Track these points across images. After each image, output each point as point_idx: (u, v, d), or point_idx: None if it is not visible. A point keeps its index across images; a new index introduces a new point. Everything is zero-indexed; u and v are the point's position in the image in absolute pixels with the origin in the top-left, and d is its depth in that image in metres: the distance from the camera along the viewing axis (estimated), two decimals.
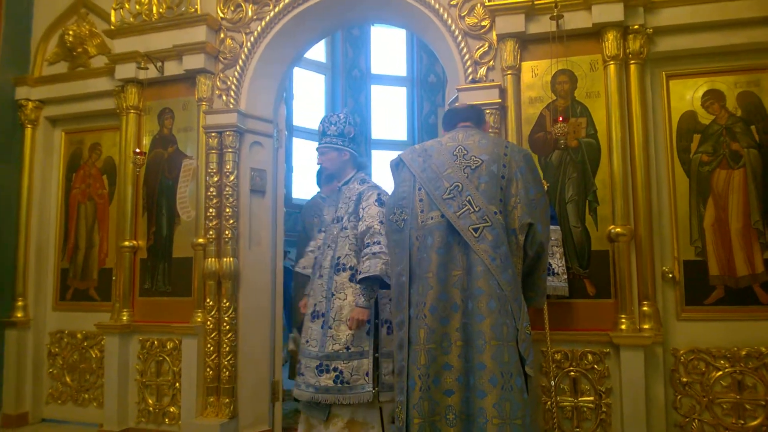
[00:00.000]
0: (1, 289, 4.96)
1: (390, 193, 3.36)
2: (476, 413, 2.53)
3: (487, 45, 4.01)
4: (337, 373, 3.33)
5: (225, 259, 4.36)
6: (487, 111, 3.81)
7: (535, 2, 3.80)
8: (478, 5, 4.03)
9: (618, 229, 3.61)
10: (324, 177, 5.19)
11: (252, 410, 4.41)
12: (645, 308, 3.59)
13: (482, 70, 3.99)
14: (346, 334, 3.35)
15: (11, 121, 5.11)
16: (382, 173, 8.37)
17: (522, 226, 2.73)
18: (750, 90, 3.71)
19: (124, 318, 4.59)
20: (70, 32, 5.06)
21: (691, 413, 3.60)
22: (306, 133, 8.82)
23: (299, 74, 8.76)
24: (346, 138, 3.67)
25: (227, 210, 4.42)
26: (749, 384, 3.53)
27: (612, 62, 3.72)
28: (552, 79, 3.89)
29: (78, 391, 4.94)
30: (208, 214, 4.41)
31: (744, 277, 3.61)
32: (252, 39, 4.52)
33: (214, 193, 4.42)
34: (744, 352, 3.55)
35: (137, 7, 4.75)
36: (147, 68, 4.58)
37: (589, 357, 3.66)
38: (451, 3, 4.09)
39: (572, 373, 3.68)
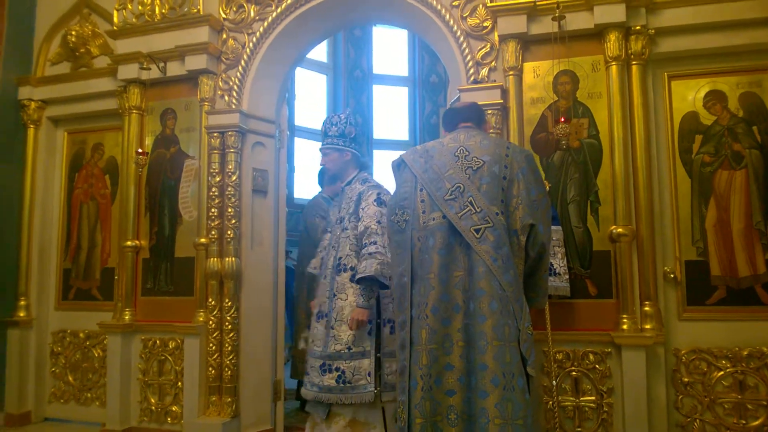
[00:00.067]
0: (4, 289, 4.97)
1: (391, 192, 3.37)
2: (478, 413, 2.53)
3: (488, 46, 4.02)
4: (339, 373, 3.34)
5: (227, 259, 4.37)
6: (489, 111, 3.81)
7: (537, 3, 3.80)
8: (480, 6, 4.04)
9: (620, 230, 3.62)
10: (327, 177, 5.19)
11: (254, 409, 4.42)
12: (646, 308, 3.59)
13: (484, 71, 3.99)
14: (347, 334, 3.36)
15: (14, 121, 5.12)
16: (383, 173, 8.38)
17: (523, 226, 2.73)
18: (752, 91, 3.71)
19: (127, 317, 4.60)
20: (73, 32, 5.07)
21: (693, 413, 3.60)
22: (308, 133, 8.83)
23: (301, 74, 8.77)
24: (348, 138, 3.67)
25: (229, 210, 4.42)
26: (751, 384, 3.54)
27: (614, 63, 3.73)
28: (554, 80, 3.89)
29: (80, 391, 4.96)
30: (210, 214, 4.42)
31: (746, 278, 3.61)
32: (254, 39, 4.53)
33: (216, 193, 4.43)
34: (745, 353, 3.55)
35: (140, 7, 4.75)
36: (149, 69, 4.59)
37: (591, 357, 3.66)
38: (453, 4, 4.10)
39: (574, 373, 3.68)
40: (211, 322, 4.35)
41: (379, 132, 9.50)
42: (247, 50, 4.54)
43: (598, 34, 3.79)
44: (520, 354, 2.59)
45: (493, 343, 2.56)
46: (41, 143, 5.19)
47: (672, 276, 3.69)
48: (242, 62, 4.54)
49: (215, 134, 4.47)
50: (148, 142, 4.77)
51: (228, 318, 4.35)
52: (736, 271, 3.63)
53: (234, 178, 4.45)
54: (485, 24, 4.02)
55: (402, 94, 9.77)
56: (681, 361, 3.64)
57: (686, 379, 3.62)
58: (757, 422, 3.50)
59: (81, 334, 5.00)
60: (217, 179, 4.44)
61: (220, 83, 4.60)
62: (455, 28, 4.06)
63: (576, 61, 3.86)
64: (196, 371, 4.34)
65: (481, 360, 2.56)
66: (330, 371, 3.36)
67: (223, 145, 4.47)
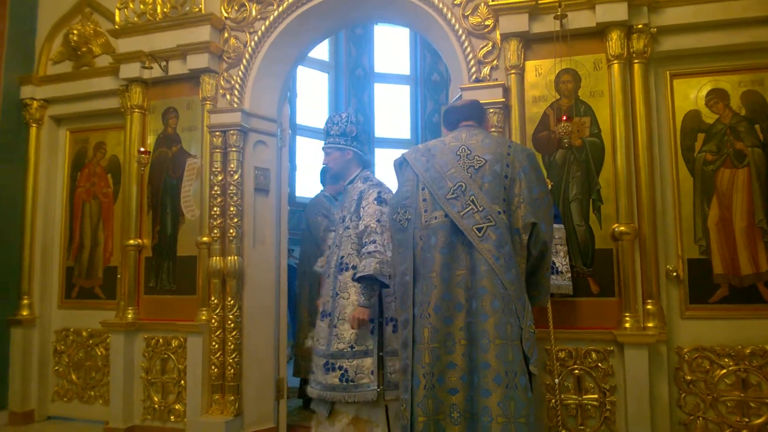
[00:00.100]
0: (7, 288, 4.98)
1: (392, 190, 3.37)
2: (480, 412, 2.54)
3: (490, 44, 4.02)
4: (342, 372, 3.34)
5: (229, 258, 4.37)
6: (491, 110, 3.82)
7: (539, 1, 3.80)
8: (482, 5, 4.03)
9: (622, 228, 3.62)
10: (329, 177, 5.20)
11: (257, 408, 4.43)
12: (649, 307, 3.60)
13: (486, 70, 3.99)
14: (349, 332, 3.37)
15: (16, 120, 5.13)
16: (385, 172, 8.38)
17: (525, 225, 2.73)
18: (754, 89, 3.71)
19: (129, 316, 4.61)
20: (75, 32, 5.08)
21: (696, 411, 3.61)
22: (309, 132, 8.84)
23: (303, 73, 8.77)
24: (349, 137, 3.67)
25: (231, 209, 4.43)
26: (753, 382, 3.54)
27: (616, 61, 3.72)
28: (556, 79, 3.89)
29: (84, 389, 4.97)
30: (213, 212, 4.43)
31: (748, 276, 3.61)
32: (256, 38, 4.53)
33: (218, 192, 4.44)
34: (748, 351, 3.55)
35: (141, 6, 4.75)
36: (151, 68, 4.59)
37: (593, 355, 3.66)
38: (455, 2, 4.09)
39: (576, 371, 3.69)
40: (213, 321, 4.36)
41: (380, 130, 9.50)
42: (249, 49, 4.54)
43: (600, 32, 3.78)
44: (522, 352, 2.60)
45: (496, 341, 2.56)
46: (43, 142, 5.19)
47: (674, 274, 3.69)
48: (244, 61, 4.55)
49: (217, 133, 4.48)
50: (150, 141, 4.77)
51: (230, 316, 4.36)
52: (738, 269, 3.63)
53: (236, 176, 4.45)
54: (487, 22, 4.02)
55: (404, 92, 9.78)
56: (684, 360, 3.65)
57: (689, 378, 3.63)
58: (759, 420, 3.50)
59: (84, 333, 5.02)
60: (219, 178, 4.45)
61: (222, 82, 4.60)
62: (457, 26, 4.06)
63: (578, 60, 3.86)
64: (199, 370, 4.35)
65: (483, 358, 2.57)
66: (333, 370, 3.36)
67: (225, 144, 4.48)
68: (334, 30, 5.22)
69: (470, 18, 4.06)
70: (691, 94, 3.81)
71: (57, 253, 5.21)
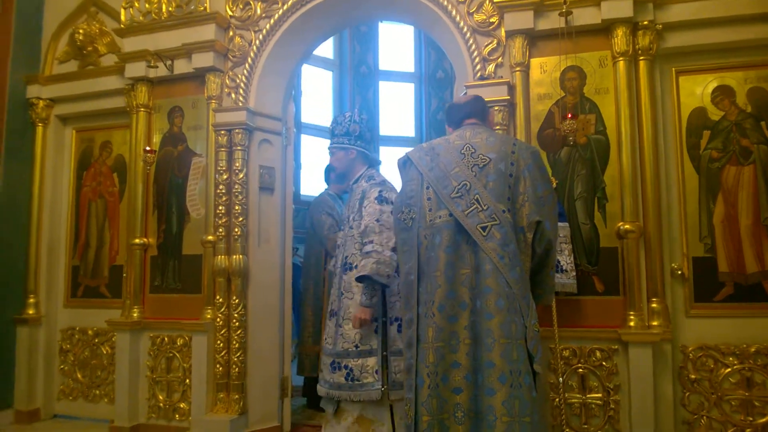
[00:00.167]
0: (13, 287, 5.00)
1: (396, 188, 3.37)
2: (485, 411, 2.53)
3: (495, 42, 4.01)
4: (348, 371, 3.35)
5: (234, 257, 4.38)
6: (496, 108, 3.81)
7: None
8: (487, 2, 4.02)
9: (627, 226, 3.61)
10: (335, 176, 5.20)
11: (261, 406, 4.44)
12: (654, 305, 3.59)
13: (491, 67, 3.99)
14: (354, 332, 3.37)
15: (22, 119, 5.15)
16: (390, 170, 8.37)
17: (530, 223, 2.73)
18: (760, 86, 3.69)
19: (135, 315, 4.63)
20: (81, 31, 5.09)
21: (700, 410, 3.60)
22: (314, 130, 8.84)
23: (307, 71, 8.76)
24: (352, 136, 3.67)
25: (236, 207, 4.44)
26: (758, 381, 3.52)
27: (621, 58, 3.72)
28: (561, 76, 3.88)
29: (89, 388, 4.99)
30: (218, 211, 4.44)
31: (753, 274, 3.60)
32: (261, 37, 4.54)
33: (223, 191, 4.45)
34: (753, 349, 3.54)
35: (147, 5, 4.77)
36: (157, 67, 4.61)
37: (598, 354, 3.66)
38: (459, 0, 4.09)
39: (580, 370, 3.68)
40: (218, 320, 4.37)
41: (385, 128, 9.48)
42: (254, 48, 4.55)
43: (605, 29, 3.78)
44: (526, 351, 2.59)
45: (500, 340, 2.56)
46: (50, 141, 5.21)
47: (679, 272, 3.68)
48: (249, 60, 4.55)
49: (222, 132, 4.48)
50: (156, 140, 4.79)
51: (235, 315, 4.37)
52: (743, 267, 3.62)
53: (241, 175, 4.46)
54: (492, 20, 4.02)
55: (408, 90, 9.75)
56: (688, 358, 3.64)
57: (693, 376, 3.62)
58: (764, 419, 3.49)
59: (90, 332, 5.04)
60: (225, 177, 4.46)
61: (227, 81, 4.61)
62: (462, 24, 4.06)
63: (583, 57, 3.85)
64: (203, 368, 4.36)
65: (487, 357, 2.56)
66: (339, 369, 3.38)
67: (231, 143, 4.49)
68: (339, 28, 5.22)
69: (475, 15, 4.05)
70: (696, 90, 3.79)
71: (63, 252, 5.23)
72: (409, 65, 9.79)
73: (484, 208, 2.70)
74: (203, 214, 4.54)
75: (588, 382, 3.67)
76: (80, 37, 5.08)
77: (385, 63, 9.65)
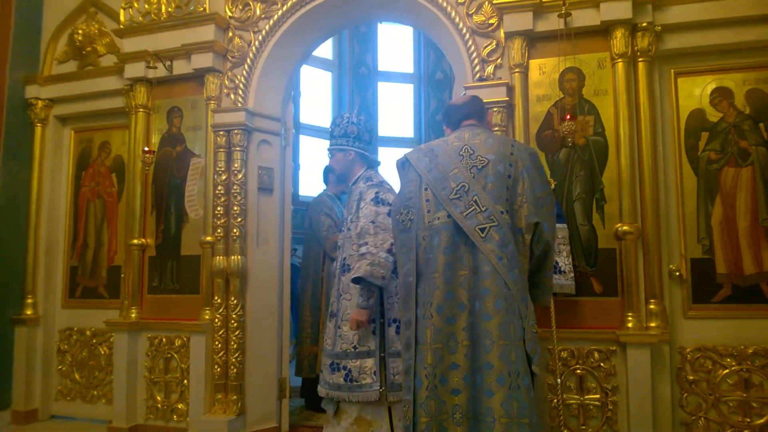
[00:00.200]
0: (11, 287, 5.00)
1: (394, 189, 3.37)
2: (484, 412, 2.54)
3: (494, 43, 4.01)
4: (347, 372, 3.35)
5: (233, 257, 4.38)
6: (495, 109, 3.82)
7: (543, 0, 3.79)
8: (486, 3, 4.03)
9: (625, 227, 3.61)
10: (335, 178, 5.21)
11: (259, 407, 4.44)
12: (652, 306, 3.59)
13: (490, 68, 3.99)
14: (352, 333, 3.38)
15: (21, 119, 5.14)
16: (389, 171, 8.38)
17: (528, 225, 2.73)
18: (758, 87, 3.70)
19: (133, 315, 4.62)
20: (80, 31, 5.09)
21: (698, 411, 3.60)
22: (313, 131, 8.84)
23: (306, 71, 8.76)
24: (350, 137, 3.66)
25: (235, 208, 4.44)
26: (756, 382, 3.53)
27: (620, 60, 3.72)
28: (560, 77, 3.88)
29: (87, 388, 4.98)
30: (216, 212, 4.43)
31: (751, 276, 3.60)
32: (260, 38, 4.54)
33: (222, 192, 4.44)
34: (751, 350, 3.54)
35: (146, 6, 4.76)
36: (156, 67, 4.60)
37: (596, 355, 3.66)
38: (459, 1, 4.09)
39: (579, 371, 3.68)
40: (216, 320, 4.37)
41: (384, 129, 9.48)
42: (253, 48, 4.55)
43: (604, 31, 3.78)
44: (525, 352, 2.60)
45: (499, 341, 2.56)
46: (48, 142, 5.21)
47: (677, 274, 3.68)
48: (248, 60, 4.55)
49: (221, 132, 4.48)
50: (155, 140, 4.78)
51: (234, 316, 4.37)
52: (741, 268, 3.62)
53: (240, 176, 4.46)
54: (491, 21, 4.02)
55: (407, 91, 9.76)
56: (686, 359, 3.64)
57: (691, 377, 3.62)
58: (761, 420, 3.49)
59: (88, 332, 5.03)
60: (223, 177, 4.46)
61: (226, 81, 4.61)
62: (461, 25, 4.06)
63: (582, 58, 3.85)
64: (202, 369, 4.35)
65: (486, 359, 2.57)
66: (338, 370, 3.38)
67: (229, 144, 4.49)
68: (338, 29, 5.22)
69: (474, 16, 4.06)
70: (695, 92, 3.79)
71: (61, 253, 5.23)
72: (408, 66, 9.80)
73: (483, 209, 2.70)
74: (202, 214, 4.54)
75: (586, 383, 3.67)
76: (79, 38, 5.07)
77: (384, 64, 9.65)
